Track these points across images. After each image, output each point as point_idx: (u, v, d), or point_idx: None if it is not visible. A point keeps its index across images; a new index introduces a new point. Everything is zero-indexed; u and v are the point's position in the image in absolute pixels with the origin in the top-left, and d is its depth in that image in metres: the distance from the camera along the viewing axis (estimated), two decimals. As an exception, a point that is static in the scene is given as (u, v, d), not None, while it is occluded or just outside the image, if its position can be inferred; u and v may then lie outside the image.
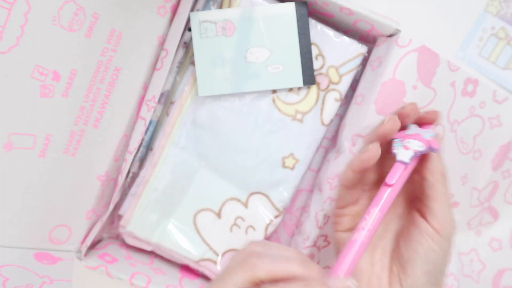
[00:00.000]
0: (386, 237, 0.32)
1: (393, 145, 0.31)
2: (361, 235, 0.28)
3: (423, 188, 0.29)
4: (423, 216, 0.29)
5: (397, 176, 0.29)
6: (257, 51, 0.38)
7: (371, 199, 0.30)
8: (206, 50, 0.38)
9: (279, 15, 0.37)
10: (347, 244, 0.28)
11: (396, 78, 0.36)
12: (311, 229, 0.40)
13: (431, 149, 0.29)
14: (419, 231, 0.28)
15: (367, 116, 0.37)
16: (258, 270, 0.23)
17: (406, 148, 0.30)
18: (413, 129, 0.32)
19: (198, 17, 0.37)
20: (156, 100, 0.38)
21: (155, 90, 0.38)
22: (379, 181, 0.31)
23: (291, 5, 0.37)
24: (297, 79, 0.38)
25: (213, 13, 0.37)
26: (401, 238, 0.30)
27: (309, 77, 0.38)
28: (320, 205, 0.40)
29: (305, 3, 0.37)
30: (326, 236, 0.39)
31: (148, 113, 0.38)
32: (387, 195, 0.29)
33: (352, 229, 0.30)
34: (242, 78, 0.38)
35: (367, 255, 0.31)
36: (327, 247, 0.39)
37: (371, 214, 0.29)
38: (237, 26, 0.37)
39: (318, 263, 0.40)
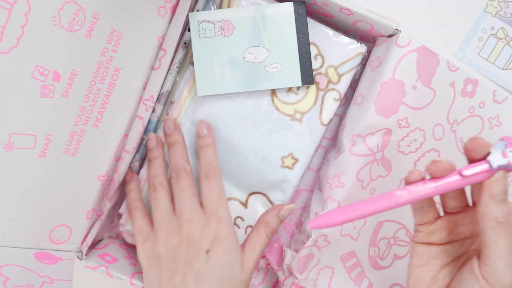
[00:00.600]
0: (460, 259, 0.29)
1: (495, 143, 0.27)
2: (393, 196, 0.26)
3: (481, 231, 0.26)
4: (478, 257, 0.26)
5: (473, 172, 0.26)
6: (256, 51, 0.38)
7: (451, 223, 0.29)
8: (205, 50, 0.38)
9: (278, 15, 0.37)
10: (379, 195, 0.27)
11: (396, 78, 0.36)
12: (311, 229, 0.40)
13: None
14: (470, 271, 0.26)
15: (367, 116, 0.37)
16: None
17: (505, 155, 0.26)
18: None
19: (196, 17, 0.37)
20: (154, 99, 0.38)
21: (153, 90, 0.38)
22: (461, 208, 0.29)
23: (290, 5, 0.37)
24: (296, 79, 0.38)
25: (212, 13, 0.37)
26: (460, 269, 0.29)
27: (307, 77, 0.38)
28: (320, 205, 0.40)
29: (303, 3, 0.37)
30: (326, 236, 0.39)
31: (146, 113, 0.38)
32: (451, 180, 0.26)
33: (425, 244, 0.30)
34: (241, 78, 0.38)
35: (436, 268, 0.29)
36: (327, 246, 0.39)
37: (420, 186, 0.26)
38: (235, 26, 0.37)
39: (318, 263, 0.40)
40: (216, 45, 0.38)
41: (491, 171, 0.26)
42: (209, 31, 0.37)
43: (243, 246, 0.36)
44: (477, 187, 0.28)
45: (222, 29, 0.37)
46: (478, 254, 0.26)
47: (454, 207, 0.29)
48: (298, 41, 0.38)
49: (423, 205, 0.29)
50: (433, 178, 0.27)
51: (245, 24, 0.37)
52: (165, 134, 0.39)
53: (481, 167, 0.26)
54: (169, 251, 0.34)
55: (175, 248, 0.34)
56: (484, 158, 0.26)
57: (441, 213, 0.30)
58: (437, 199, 0.30)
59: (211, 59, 0.38)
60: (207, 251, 0.33)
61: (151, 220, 0.36)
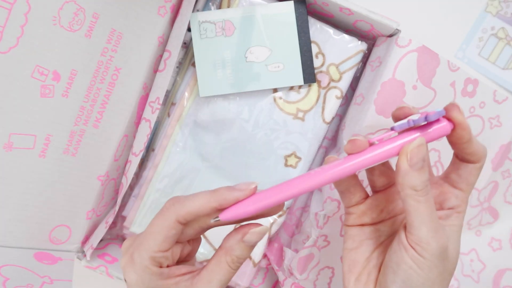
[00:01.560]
0: (392, 236, 0.30)
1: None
2: (308, 176, 0.25)
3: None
4: (404, 231, 0.26)
5: (380, 138, 0.25)
6: (257, 51, 0.38)
7: (380, 201, 0.29)
8: (206, 50, 0.38)
9: (279, 14, 0.37)
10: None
11: (396, 78, 0.36)
12: (311, 229, 0.40)
13: (426, 119, 0.24)
14: (398, 243, 0.26)
15: (367, 116, 0.37)
16: (179, 211, 0.25)
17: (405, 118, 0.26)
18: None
19: (197, 18, 0.37)
20: (161, 101, 0.38)
21: (159, 92, 0.38)
22: (390, 184, 0.29)
23: (290, 4, 0.37)
24: (298, 78, 0.38)
25: (212, 14, 0.37)
26: (391, 243, 0.28)
27: (309, 75, 0.38)
28: (320, 205, 0.40)
29: (304, 2, 0.37)
30: (326, 236, 0.39)
31: (152, 115, 0.38)
32: (365, 154, 0.25)
33: (358, 225, 0.30)
34: (243, 78, 0.38)
35: (369, 248, 0.29)
36: (327, 247, 0.39)
37: (335, 162, 0.26)
38: (236, 26, 0.37)
39: (318, 263, 0.40)
40: (217, 46, 0.38)
41: (397, 136, 0.25)
42: (210, 31, 0.37)
43: (198, 276, 0.27)
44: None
45: (223, 29, 0.37)
46: (405, 225, 0.26)
47: (382, 185, 0.29)
48: (299, 40, 0.38)
49: (348, 186, 0.29)
50: (349, 155, 0.26)
51: (246, 24, 0.37)
52: None
53: (388, 133, 0.26)
54: None
55: None
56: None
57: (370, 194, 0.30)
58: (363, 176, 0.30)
59: (213, 59, 0.38)
60: None
61: None
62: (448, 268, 0.26)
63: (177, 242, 0.27)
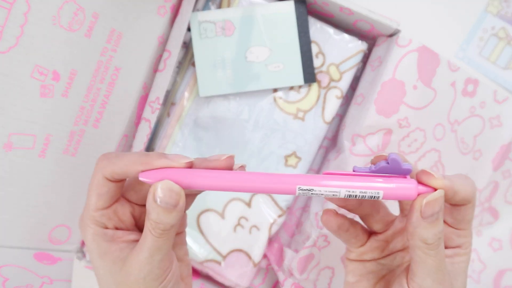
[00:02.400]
0: (394, 271, 0.29)
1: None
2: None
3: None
4: (406, 275, 0.25)
5: (337, 172, 0.23)
6: (257, 50, 0.38)
7: (381, 242, 0.29)
8: (206, 50, 0.38)
9: (279, 14, 0.37)
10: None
11: (396, 78, 0.36)
12: (311, 229, 0.40)
13: (393, 162, 0.22)
14: (399, 286, 0.25)
15: (367, 116, 0.37)
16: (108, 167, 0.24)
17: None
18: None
19: (197, 18, 0.37)
20: (161, 101, 0.38)
21: (159, 92, 0.38)
22: (387, 227, 0.29)
23: (290, 3, 0.37)
24: (298, 77, 0.38)
25: (212, 13, 0.37)
26: (392, 282, 0.28)
27: (309, 75, 0.38)
28: (320, 205, 0.40)
29: (304, 1, 0.37)
30: (326, 236, 0.39)
31: (152, 115, 0.38)
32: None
33: (359, 261, 0.29)
34: (243, 78, 0.38)
35: (370, 282, 0.29)
36: (327, 247, 0.39)
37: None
38: (236, 25, 0.37)
39: (318, 263, 0.40)
40: (217, 46, 0.38)
41: (356, 172, 0.23)
42: (210, 31, 0.37)
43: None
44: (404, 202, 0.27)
45: (223, 29, 0.37)
46: (407, 269, 0.26)
47: (380, 228, 0.29)
48: (299, 40, 0.37)
49: (349, 237, 0.28)
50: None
51: (246, 24, 0.37)
52: None
53: (348, 172, 0.23)
54: None
55: None
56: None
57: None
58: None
59: (213, 59, 0.38)
60: None
61: None
62: None
63: (132, 203, 0.26)
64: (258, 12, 0.37)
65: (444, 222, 0.26)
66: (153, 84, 0.39)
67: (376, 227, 0.29)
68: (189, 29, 0.38)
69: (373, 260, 0.29)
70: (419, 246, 0.23)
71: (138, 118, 0.39)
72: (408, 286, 0.25)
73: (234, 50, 0.38)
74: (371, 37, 0.40)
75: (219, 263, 0.40)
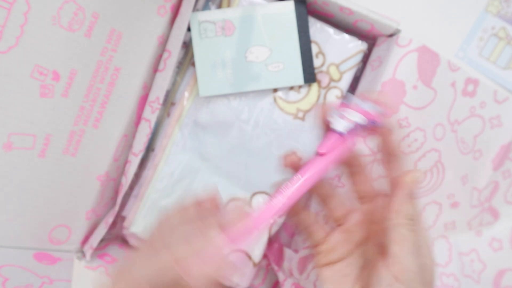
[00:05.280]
0: (367, 267, 0.29)
1: (329, 113, 0.27)
2: (276, 201, 0.26)
3: (387, 229, 0.26)
4: (383, 263, 0.26)
5: (329, 145, 0.26)
6: (257, 50, 0.38)
7: (343, 233, 0.29)
8: (206, 50, 0.38)
9: (279, 14, 0.37)
10: (261, 207, 0.26)
11: (396, 78, 0.36)
12: (311, 229, 0.40)
13: (373, 122, 0.25)
14: (378, 277, 0.26)
15: (367, 116, 0.37)
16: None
17: (342, 117, 0.26)
18: (354, 100, 0.27)
19: (197, 18, 0.37)
20: (161, 101, 0.38)
21: (159, 92, 0.38)
22: (348, 217, 0.30)
23: (290, 4, 0.37)
24: (298, 77, 0.38)
25: (212, 13, 0.37)
26: (369, 276, 0.28)
27: (310, 75, 0.38)
28: (320, 205, 0.40)
29: (304, 2, 0.37)
30: (326, 236, 0.39)
31: (152, 115, 0.38)
32: (316, 164, 0.27)
33: (329, 264, 0.29)
34: (243, 78, 0.38)
35: (348, 284, 0.29)
36: (327, 247, 0.39)
37: (293, 182, 0.26)
38: (236, 25, 0.37)
39: (318, 263, 0.40)
40: (217, 46, 0.37)
41: (344, 136, 0.26)
42: (210, 31, 0.37)
43: None
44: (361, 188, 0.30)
45: (223, 29, 0.37)
46: (382, 257, 0.26)
47: (342, 216, 0.30)
48: (299, 40, 0.37)
49: (306, 225, 0.30)
50: (300, 171, 0.28)
51: (246, 24, 0.37)
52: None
53: (332, 138, 0.26)
54: None
55: None
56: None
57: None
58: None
59: (213, 59, 0.38)
60: None
61: None
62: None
63: None
64: (258, 12, 0.37)
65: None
66: (153, 84, 0.39)
67: (337, 213, 0.30)
68: (189, 29, 0.38)
69: (341, 260, 0.30)
70: (403, 223, 0.25)
71: (138, 118, 0.39)
72: (390, 270, 0.25)
73: (234, 50, 0.38)
74: (371, 37, 0.40)
75: (219, 263, 0.40)
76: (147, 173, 0.40)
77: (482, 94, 0.40)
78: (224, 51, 0.38)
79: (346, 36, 0.38)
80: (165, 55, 0.38)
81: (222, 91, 0.38)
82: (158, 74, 0.38)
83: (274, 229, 0.41)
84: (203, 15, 0.37)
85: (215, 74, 0.38)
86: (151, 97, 0.38)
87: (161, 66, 0.38)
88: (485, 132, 0.40)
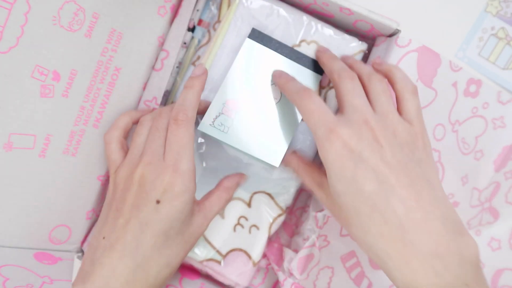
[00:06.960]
0: None
1: None
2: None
3: None
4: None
5: None
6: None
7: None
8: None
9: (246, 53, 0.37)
10: None
11: (397, 78, 0.36)
12: (311, 229, 0.40)
13: None
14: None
15: (367, 116, 0.37)
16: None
17: None
18: None
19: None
20: (158, 101, 0.38)
21: (156, 91, 0.38)
22: None
23: (247, 41, 0.37)
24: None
25: None
26: None
27: (318, 67, 0.38)
28: (320, 205, 0.40)
29: (252, 28, 0.37)
30: (326, 236, 0.39)
31: None
32: None
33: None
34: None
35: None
36: (327, 247, 0.39)
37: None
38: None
39: (318, 263, 0.40)
40: None
41: None
42: None
43: (202, 204, 0.34)
44: None
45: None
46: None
47: None
48: (287, 59, 0.37)
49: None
50: None
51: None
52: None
53: None
54: (120, 192, 0.31)
55: (125, 190, 0.31)
56: None
57: None
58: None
59: None
60: (157, 202, 0.30)
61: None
62: None
63: None
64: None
65: None
66: (148, 83, 0.38)
67: None
68: (189, 29, 0.38)
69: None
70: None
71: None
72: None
73: None
74: (371, 37, 0.40)
75: (219, 262, 0.40)
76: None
77: (485, 94, 0.39)
78: None
79: (346, 36, 0.38)
80: (163, 54, 0.38)
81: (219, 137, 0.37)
82: (154, 73, 0.38)
83: (274, 228, 0.41)
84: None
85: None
86: (147, 96, 0.38)
87: (158, 66, 0.38)
88: (488, 133, 0.40)
